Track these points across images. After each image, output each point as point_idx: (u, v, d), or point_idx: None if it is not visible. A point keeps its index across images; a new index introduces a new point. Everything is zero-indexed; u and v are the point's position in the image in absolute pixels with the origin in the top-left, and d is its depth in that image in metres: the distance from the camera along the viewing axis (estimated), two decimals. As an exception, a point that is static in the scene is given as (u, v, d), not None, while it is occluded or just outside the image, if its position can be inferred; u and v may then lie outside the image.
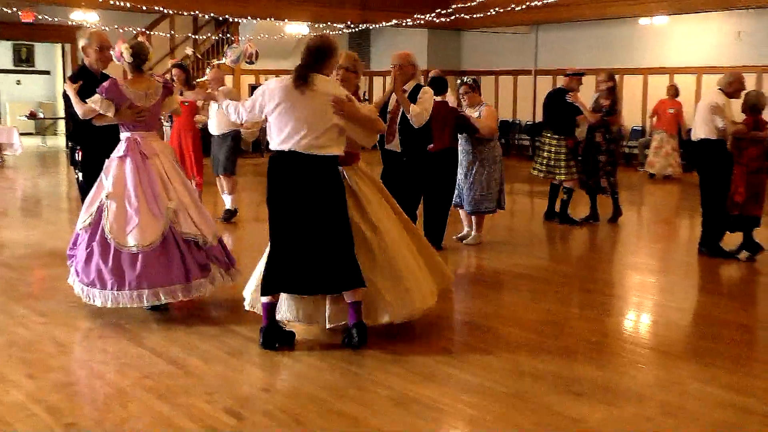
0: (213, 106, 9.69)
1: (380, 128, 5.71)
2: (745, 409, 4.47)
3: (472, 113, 8.74)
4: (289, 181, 5.22)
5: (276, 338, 5.35)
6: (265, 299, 5.32)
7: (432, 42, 22.41)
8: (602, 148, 9.93)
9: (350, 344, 5.27)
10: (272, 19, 18.71)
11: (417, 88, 7.38)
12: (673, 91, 15.99)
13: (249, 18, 18.64)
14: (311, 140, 5.14)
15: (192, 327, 5.85)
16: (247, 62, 20.06)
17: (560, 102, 10.08)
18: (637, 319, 6.62)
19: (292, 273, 5.22)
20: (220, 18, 18.74)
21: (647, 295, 7.27)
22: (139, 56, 6.10)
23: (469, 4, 18.31)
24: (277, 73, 22.07)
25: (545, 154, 10.23)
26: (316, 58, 5.25)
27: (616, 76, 13.66)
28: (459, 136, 8.62)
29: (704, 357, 5.41)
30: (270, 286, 5.28)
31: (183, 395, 4.60)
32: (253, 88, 21.40)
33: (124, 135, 6.11)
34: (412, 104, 7.15)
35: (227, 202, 10.35)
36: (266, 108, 5.31)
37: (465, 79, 9.45)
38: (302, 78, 5.16)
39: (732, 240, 8.36)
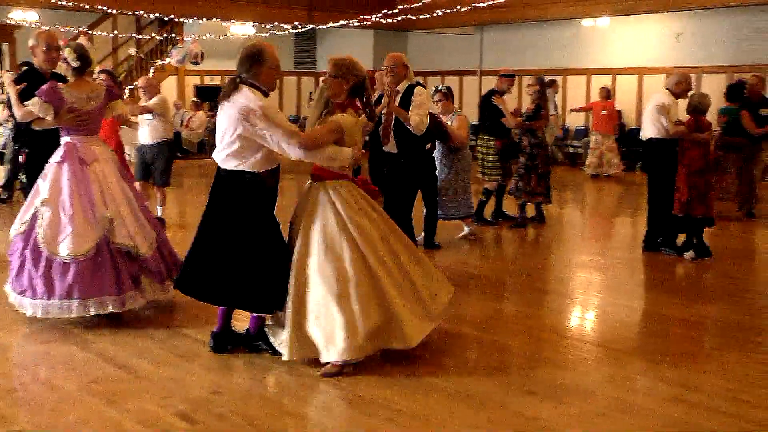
0: (144, 115, 9.40)
1: (298, 141, 4.89)
2: (693, 404, 4.48)
3: (445, 121, 8.79)
4: (212, 192, 5.15)
5: (227, 342, 5.25)
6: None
7: (378, 43, 22.34)
8: (525, 151, 9.92)
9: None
10: (217, 19, 18.50)
11: (410, 89, 7.26)
12: (605, 93, 16.23)
13: (194, 18, 18.40)
14: (217, 153, 5.06)
15: (141, 330, 5.70)
16: (192, 62, 19.90)
17: (488, 103, 10.11)
18: (585, 317, 6.63)
19: (208, 281, 5.08)
20: (164, 18, 18.45)
21: (594, 293, 7.30)
22: (85, 59, 5.90)
23: (415, 4, 18.29)
24: (223, 73, 21.87)
25: (479, 155, 10.27)
26: (242, 66, 5.03)
27: (560, 77, 13.85)
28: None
29: (652, 353, 5.44)
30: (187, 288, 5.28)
31: (133, 399, 4.45)
32: (198, 89, 21.21)
33: (63, 139, 5.89)
34: (410, 114, 7.05)
35: (159, 213, 9.73)
36: None
37: (440, 87, 9.50)
38: (225, 91, 5.02)
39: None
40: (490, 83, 20.41)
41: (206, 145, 19.47)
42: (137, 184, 8.82)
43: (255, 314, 5.19)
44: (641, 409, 4.44)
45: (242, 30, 19.67)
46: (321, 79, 7.13)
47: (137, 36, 19.91)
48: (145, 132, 9.57)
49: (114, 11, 17.35)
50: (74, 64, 5.88)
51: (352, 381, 4.73)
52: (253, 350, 5.20)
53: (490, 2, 17.06)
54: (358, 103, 5.30)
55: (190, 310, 5.77)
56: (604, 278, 7.87)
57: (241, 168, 4.97)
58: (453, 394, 4.59)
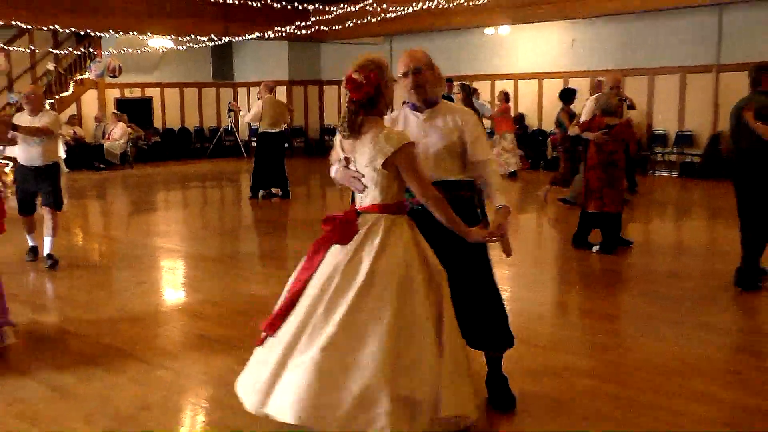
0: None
1: None
2: (612, 396, 4.39)
3: None
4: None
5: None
6: None
7: (292, 53, 22.16)
8: None
9: None
10: (134, 33, 17.97)
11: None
12: (502, 96, 16.39)
13: (110, 32, 17.82)
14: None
15: (61, 345, 5.35)
16: (110, 76, 19.34)
17: None
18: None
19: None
20: (81, 32, 17.82)
21: (507, 288, 7.24)
22: None
23: (327, 16, 18.19)
24: (141, 86, 21.31)
25: None
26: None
27: (466, 82, 13.85)
28: None
29: (569, 346, 5.38)
30: None
31: (59, 419, 4.13)
32: (118, 101, 20.57)
33: None
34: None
35: (49, 245, 7.90)
36: None
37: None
38: None
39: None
40: (398, 90, 20.49)
41: (128, 155, 18.93)
42: (23, 220, 7.90)
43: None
44: (565, 403, 4.34)
45: (160, 43, 19.18)
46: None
47: (55, 51, 19.16)
48: (35, 153, 7.69)
49: (30, 26, 16.64)
50: None
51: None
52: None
53: (398, 13, 17.08)
54: None
55: (112, 321, 5.39)
56: (518, 273, 7.80)
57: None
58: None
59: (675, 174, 16.05)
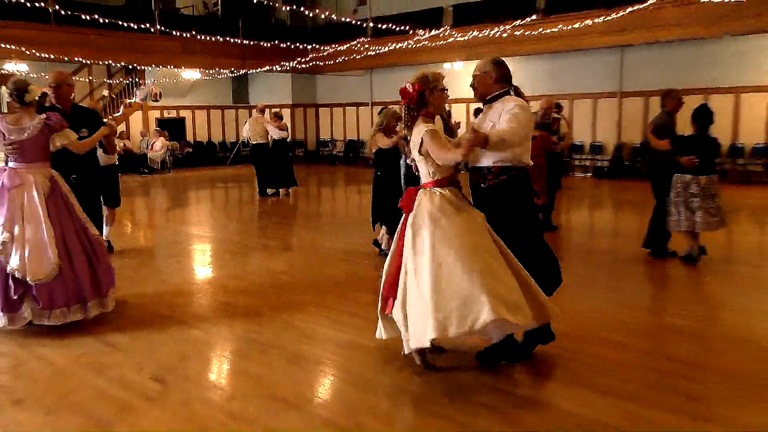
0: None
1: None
2: (547, 347, 4.24)
3: None
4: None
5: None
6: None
7: (295, 83, 22.00)
8: None
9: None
10: (172, 66, 17.78)
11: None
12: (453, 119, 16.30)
13: (153, 66, 17.60)
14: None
15: (116, 311, 5.22)
16: (152, 100, 19.06)
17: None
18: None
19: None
20: (129, 66, 17.57)
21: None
22: (20, 93, 4.81)
23: (321, 53, 18.10)
24: (177, 108, 21.05)
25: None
26: (507, 78, 3.99)
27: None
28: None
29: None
30: None
31: (116, 368, 4.05)
32: (158, 121, 20.31)
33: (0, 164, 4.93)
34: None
35: (105, 232, 7.46)
36: None
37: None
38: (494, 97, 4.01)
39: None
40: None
41: (167, 163, 18.72)
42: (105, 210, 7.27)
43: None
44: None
45: (191, 75, 18.94)
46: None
47: (108, 81, 18.88)
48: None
49: (89, 62, 16.38)
50: (8, 98, 5.04)
51: (292, 344, 4.45)
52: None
53: (377, 51, 17.03)
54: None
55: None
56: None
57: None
58: (367, 348, 4.32)
59: (589, 175, 16.12)
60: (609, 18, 13.36)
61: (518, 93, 4.00)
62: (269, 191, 12.93)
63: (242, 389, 3.71)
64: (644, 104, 15.25)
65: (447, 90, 3.97)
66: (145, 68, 18.27)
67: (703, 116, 6.45)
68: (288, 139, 13.17)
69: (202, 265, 7.21)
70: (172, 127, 20.33)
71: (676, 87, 8.04)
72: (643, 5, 12.79)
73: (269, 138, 12.80)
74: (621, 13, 13.17)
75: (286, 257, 7.42)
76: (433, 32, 16.19)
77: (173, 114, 21.08)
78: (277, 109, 13.31)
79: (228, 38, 17.69)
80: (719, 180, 6.58)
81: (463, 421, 3.28)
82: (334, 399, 3.61)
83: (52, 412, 3.46)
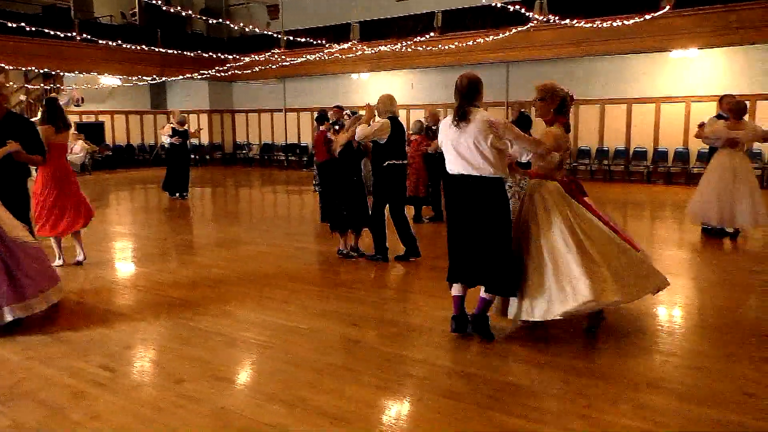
0: None
1: (544, 147, 4.19)
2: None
3: None
4: (471, 196, 4.11)
5: (465, 323, 4.22)
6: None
7: (212, 90, 21.48)
8: None
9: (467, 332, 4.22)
10: (94, 73, 16.93)
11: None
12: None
13: (75, 72, 16.70)
14: (465, 166, 4.14)
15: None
16: (74, 105, 18.01)
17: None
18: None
19: (461, 268, 4.18)
20: (51, 72, 16.57)
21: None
22: None
23: (239, 63, 17.77)
24: (96, 113, 20.01)
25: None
26: (470, 95, 4.29)
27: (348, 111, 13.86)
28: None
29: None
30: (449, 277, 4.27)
31: (62, 359, 3.93)
32: (77, 125, 19.23)
33: None
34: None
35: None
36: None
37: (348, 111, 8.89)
38: (461, 115, 4.19)
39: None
40: (291, 117, 20.39)
41: (87, 165, 17.76)
42: None
43: (487, 297, 4.15)
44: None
45: (110, 81, 18.09)
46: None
47: (26, 86, 17.69)
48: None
49: (9, 67, 15.33)
50: None
51: (230, 329, 4.45)
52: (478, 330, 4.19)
53: (291, 62, 16.94)
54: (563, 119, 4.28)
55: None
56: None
57: (499, 175, 4.04)
58: (294, 330, 4.38)
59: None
60: (497, 37, 14.04)
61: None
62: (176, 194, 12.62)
63: (189, 372, 3.69)
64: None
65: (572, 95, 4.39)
66: (64, 74, 17.27)
67: (523, 122, 8.19)
68: (190, 145, 12.87)
69: (132, 262, 6.98)
70: (91, 131, 19.32)
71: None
72: (524, 27, 13.55)
73: (179, 141, 12.41)
74: (507, 34, 13.88)
75: (212, 252, 7.32)
76: (343, 46, 16.30)
77: (92, 119, 20.06)
78: (184, 116, 12.90)
79: (147, 47, 17.03)
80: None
81: (391, 387, 3.44)
82: (275, 377, 3.65)
83: (4, 402, 3.33)
